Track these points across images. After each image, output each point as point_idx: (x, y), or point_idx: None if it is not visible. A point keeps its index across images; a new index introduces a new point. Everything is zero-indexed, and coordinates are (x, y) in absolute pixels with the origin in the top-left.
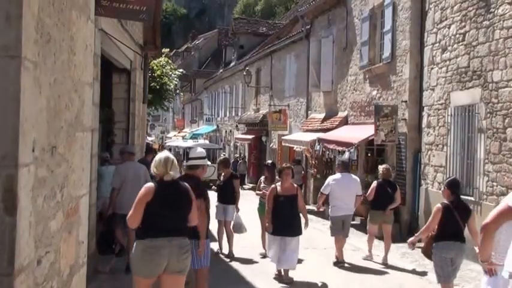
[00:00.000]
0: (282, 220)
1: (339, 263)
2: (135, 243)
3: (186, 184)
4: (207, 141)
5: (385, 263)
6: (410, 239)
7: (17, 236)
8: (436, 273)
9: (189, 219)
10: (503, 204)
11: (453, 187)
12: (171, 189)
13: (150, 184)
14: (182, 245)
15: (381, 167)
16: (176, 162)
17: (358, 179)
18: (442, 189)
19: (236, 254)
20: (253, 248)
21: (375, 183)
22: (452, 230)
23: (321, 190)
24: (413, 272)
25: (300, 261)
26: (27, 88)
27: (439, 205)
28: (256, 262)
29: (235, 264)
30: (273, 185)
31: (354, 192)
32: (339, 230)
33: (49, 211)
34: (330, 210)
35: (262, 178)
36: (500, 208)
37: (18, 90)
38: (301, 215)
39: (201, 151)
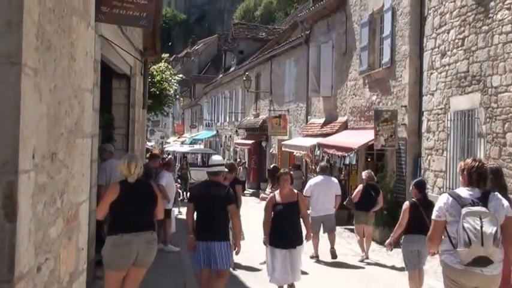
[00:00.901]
0: (281, 231)
1: (315, 257)
2: (106, 240)
3: (152, 183)
4: (201, 147)
5: (365, 260)
6: (388, 241)
7: (17, 242)
8: (404, 262)
9: (155, 214)
10: (433, 220)
11: (420, 187)
12: (135, 188)
13: (115, 184)
14: (149, 239)
15: (364, 173)
16: (140, 163)
17: (337, 181)
18: (411, 188)
19: (236, 260)
20: (254, 253)
21: (360, 187)
22: (418, 224)
23: (304, 193)
24: None
25: None
26: (27, 95)
27: (407, 203)
28: (257, 269)
29: (234, 272)
30: (271, 194)
31: (333, 193)
32: (318, 229)
33: (49, 217)
34: (310, 210)
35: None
36: (433, 225)
37: (18, 97)
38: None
39: (220, 158)
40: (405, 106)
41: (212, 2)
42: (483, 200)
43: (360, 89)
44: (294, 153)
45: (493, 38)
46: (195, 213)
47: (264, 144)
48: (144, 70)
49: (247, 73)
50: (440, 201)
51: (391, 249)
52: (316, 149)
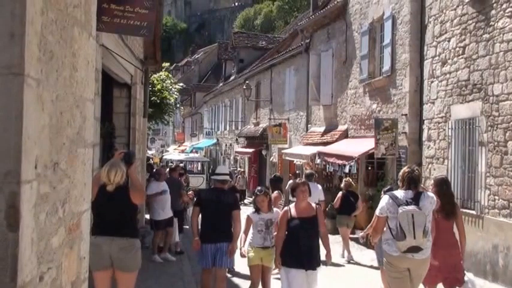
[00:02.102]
0: (298, 249)
1: None
2: None
3: (128, 187)
4: (196, 155)
5: (348, 260)
6: (361, 234)
7: (19, 252)
8: (378, 260)
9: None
10: (377, 216)
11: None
12: (112, 196)
13: (96, 186)
14: (122, 245)
15: (344, 180)
16: (122, 171)
17: (320, 187)
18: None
19: (237, 269)
20: None
21: (340, 194)
22: None
23: (290, 198)
24: None
25: None
26: (30, 105)
27: None
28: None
29: (235, 279)
30: (286, 207)
31: (316, 198)
32: None
33: (51, 227)
34: None
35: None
36: (377, 220)
37: (21, 107)
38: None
39: (226, 168)
40: (406, 114)
41: (212, 11)
42: (415, 200)
43: (360, 97)
44: (294, 162)
45: (494, 46)
46: (200, 216)
47: (264, 152)
48: (145, 79)
49: (247, 82)
50: (383, 201)
51: (363, 241)
52: (317, 157)
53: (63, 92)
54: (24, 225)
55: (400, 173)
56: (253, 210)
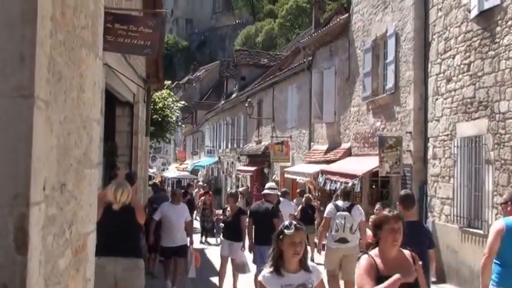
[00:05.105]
0: None
1: None
2: None
3: (133, 207)
4: (186, 173)
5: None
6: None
7: (27, 275)
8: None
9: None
10: (325, 217)
11: None
12: (118, 215)
13: (101, 207)
14: (126, 266)
15: (304, 196)
16: (128, 191)
17: (292, 203)
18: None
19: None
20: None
21: (300, 207)
22: None
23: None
24: None
25: None
26: (39, 127)
27: None
28: None
29: None
30: (366, 257)
31: (288, 212)
32: None
33: (58, 249)
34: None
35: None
36: (324, 220)
37: (30, 129)
38: None
39: (274, 184)
40: (410, 132)
41: (213, 29)
42: (349, 208)
43: (364, 115)
44: (297, 180)
45: (499, 63)
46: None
47: (266, 171)
48: (147, 97)
49: (249, 99)
50: (328, 207)
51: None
52: (320, 175)
53: (71, 113)
54: (32, 248)
55: (339, 191)
56: (270, 269)
